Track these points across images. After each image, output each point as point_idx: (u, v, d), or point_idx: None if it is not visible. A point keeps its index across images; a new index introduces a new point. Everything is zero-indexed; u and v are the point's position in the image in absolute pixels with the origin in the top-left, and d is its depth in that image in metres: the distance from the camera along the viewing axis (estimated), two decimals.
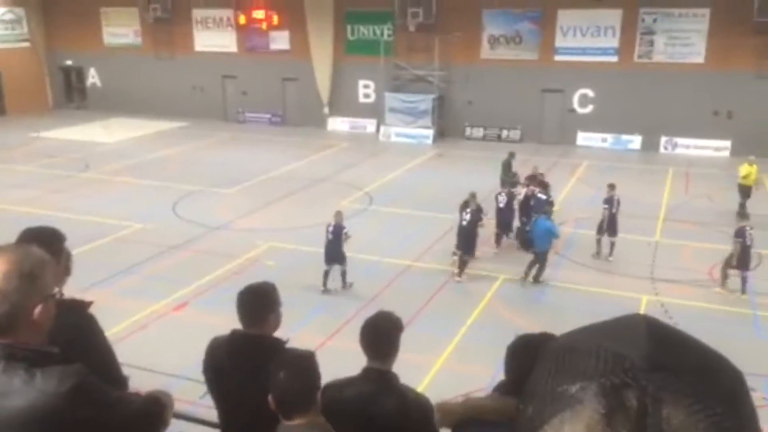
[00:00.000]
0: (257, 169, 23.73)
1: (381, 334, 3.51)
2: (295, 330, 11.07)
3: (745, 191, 18.09)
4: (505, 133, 29.37)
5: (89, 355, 2.49)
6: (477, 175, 23.33)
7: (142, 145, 28.30)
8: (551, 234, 14.01)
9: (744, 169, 18.32)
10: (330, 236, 13.73)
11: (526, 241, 15.35)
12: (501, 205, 15.76)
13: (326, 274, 13.65)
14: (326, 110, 32.10)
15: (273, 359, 3.40)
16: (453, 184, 22.17)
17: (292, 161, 25.21)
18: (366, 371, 3.47)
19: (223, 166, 24.41)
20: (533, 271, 14.03)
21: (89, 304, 2.99)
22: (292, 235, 16.89)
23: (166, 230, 17.14)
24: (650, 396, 0.71)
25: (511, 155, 19.59)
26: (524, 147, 27.90)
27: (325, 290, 13.60)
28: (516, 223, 16.34)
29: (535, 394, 0.79)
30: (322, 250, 15.88)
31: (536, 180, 16.71)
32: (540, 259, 14.01)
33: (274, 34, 32.42)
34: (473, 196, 15.22)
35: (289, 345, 3.67)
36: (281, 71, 32.41)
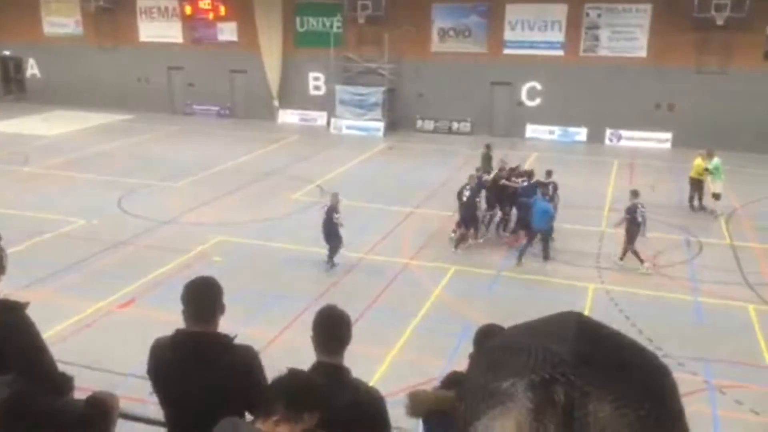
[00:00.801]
0: (205, 162, 23.32)
1: (330, 329, 3.49)
2: (245, 325, 10.94)
3: (695, 184, 18.54)
4: (455, 125, 29.61)
5: (24, 356, 2.39)
6: (428, 167, 23.51)
7: (85, 139, 27.46)
8: (549, 214, 14.63)
9: (696, 162, 18.67)
10: (324, 216, 14.31)
11: (521, 223, 15.60)
12: (464, 199, 15.33)
13: (331, 251, 14.29)
14: (276, 103, 31.76)
15: (222, 355, 3.34)
16: (404, 176, 22.28)
17: (241, 154, 24.86)
18: (317, 366, 3.44)
19: (171, 160, 23.90)
20: (525, 252, 14.73)
21: (25, 305, 2.86)
22: (241, 229, 16.67)
23: (111, 225, 16.69)
24: (578, 390, 0.72)
25: (488, 147, 19.28)
26: (474, 139, 28.21)
27: (329, 264, 14.25)
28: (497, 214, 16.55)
29: (469, 391, 0.80)
30: (272, 244, 15.76)
31: (517, 171, 16.71)
32: (545, 237, 14.80)
33: (221, 25, 31.86)
34: (478, 170, 16.38)
35: (237, 341, 3.61)
36: (229, 63, 31.89)
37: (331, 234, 14.15)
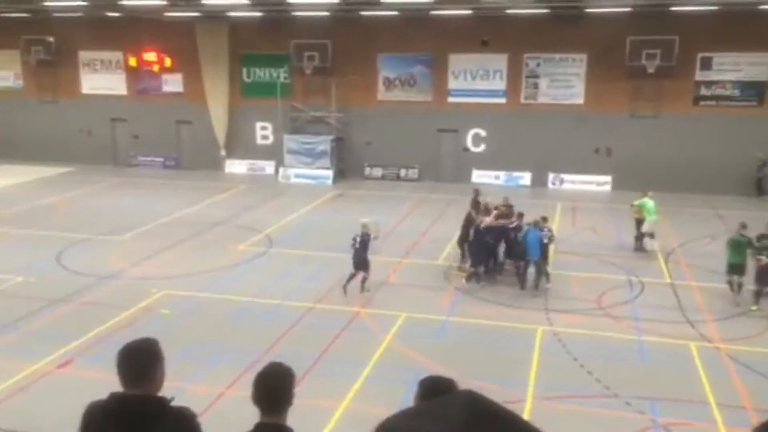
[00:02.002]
0: (150, 214, 22.89)
1: (273, 387, 3.39)
2: (191, 381, 10.63)
3: (639, 223, 19.10)
4: (403, 172, 29.99)
5: None
6: (377, 213, 23.58)
7: (24, 193, 26.67)
8: (542, 242, 15.56)
9: (638, 203, 19.23)
10: (357, 245, 15.44)
11: (516, 255, 16.09)
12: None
13: (351, 277, 15.45)
14: (223, 153, 31.62)
15: (157, 421, 3.22)
16: (354, 223, 22.25)
17: (187, 205, 24.52)
18: (257, 427, 3.33)
19: (114, 213, 23.38)
20: (530, 281, 15.70)
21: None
22: (188, 281, 16.32)
23: (49, 282, 16.10)
24: None
25: (477, 192, 19.33)
26: (422, 185, 28.62)
27: (345, 292, 15.30)
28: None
29: None
30: (219, 296, 15.51)
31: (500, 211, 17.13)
32: (538, 266, 15.62)
33: (166, 76, 31.77)
34: (474, 207, 17.53)
35: (176, 402, 3.49)
36: (175, 114, 31.74)
37: (365, 261, 15.46)
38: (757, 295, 14.43)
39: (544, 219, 16.48)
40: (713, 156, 26.30)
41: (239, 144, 31.52)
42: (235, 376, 11.16)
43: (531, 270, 15.87)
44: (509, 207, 17.56)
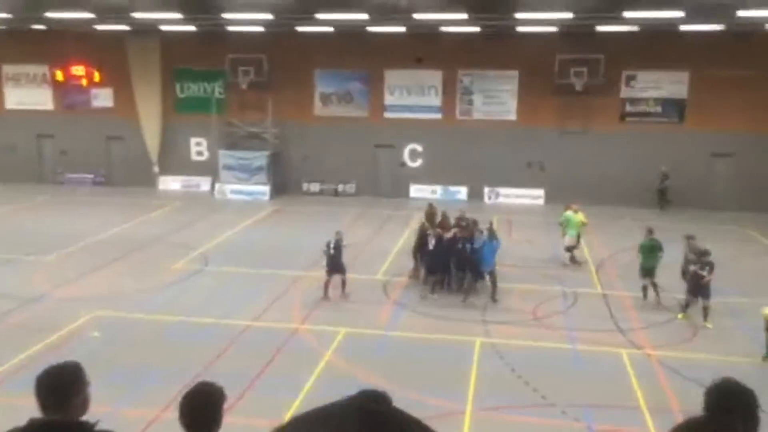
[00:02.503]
0: (79, 233, 22.06)
1: (199, 408, 3.28)
2: (123, 405, 10.26)
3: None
4: (341, 187, 29.98)
5: None
6: (315, 229, 23.46)
7: None
8: (496, 252, 16.31)
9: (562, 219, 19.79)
10: (332, 251, 16.10)
11: (472, 266, 16.29)
12: (430, 247, 16.60)
13: (327, 284, 16.11)
14: (156, 169, 30.87)
15: None
16: (292, 239, 22.13)
17: (119, 223, 23.77)
18: None
19: (40, 232, 22.43)
20: (471, 295, 16.09)
21: None
22: (120, 302, 15.77)
23: None
24: None
25: (432, 206, 19.95)
26: (360, 200, 28.66)
27: (326, 297, 15.99)
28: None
29: None
30: (153, 316, 15.11)
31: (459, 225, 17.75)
32: (494, 277, 16.13)
33: (96, 91, 30.87)
34: (424, 227, 17.66)
35: (106, 427, 3.36)
36: (105, 129, 30.84)
37: (341, 265, 16.13)
38: (686, 306, 14.97)
39: (491, 229, 17.01)
40: (638, 170, 27.40)
41: (173, 160, 30.85)
42: (170, 397, 10.80)
43: (486, 282, 16.34)
44: (467, 220, 18.07)
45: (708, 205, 26.73)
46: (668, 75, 27.25)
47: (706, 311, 14.46)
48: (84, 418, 3.37)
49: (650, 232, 16.36)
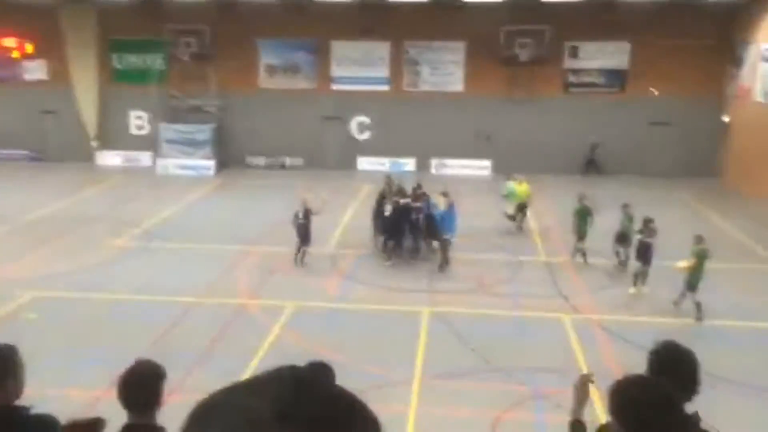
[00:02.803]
0: (13, 212, 21.18)
1: (140, 386, 3.22)
2: (64, 386, 10.01)
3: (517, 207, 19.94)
4: (288, 160, 29.62)
5: None
6: (261, 203, 23.23)
7: None
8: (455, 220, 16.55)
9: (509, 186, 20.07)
10: (302, 220, 16.29)
11: (432, 233, 16.81)
12: (386, 213, 16.88)
13: (299, 249, 16.35)
14: (94, 144, 29.84)
15: (11, 430, 2.99)
16: (238, 214, 21.82)
17: (56, 201, 22.95)
18: (125, 429, 3.15)
19: None
20: (445, 261, 16.25)
21: None
22: (59, 281, 15.30)
23: None
24: None
25: (389, 178, 19.60)
26: (308, 174, 28.40)
27: (302, 264, 16.38)
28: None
29: None
30: (94, 295, 14.77)
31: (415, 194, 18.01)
32: (448, 246, 16.28)
33: (28, 63, 29.50)
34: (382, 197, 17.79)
35: (46, 410, 3.25)
36: (39, 103, 29.54)
37: (309, 234, 16.37)
38: (636, 277, 14.90)
39: (446, 193, 17.15)
40: (583, 139, 27.93)
41: (112, 134, 29.87)
42: (114, 377, 10.60)
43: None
44: (422, 190, 18.32)
45: (646, 172, 27.51)
46: (610, 45, 27.72)
47: (644, 276, 14.89)
48: (19, 402, 3.26)
49: (583, 197, 16.96)
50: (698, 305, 13.40)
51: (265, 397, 0.75)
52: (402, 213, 16.88)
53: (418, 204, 17.17)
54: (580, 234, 16.72)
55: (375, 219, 17.85)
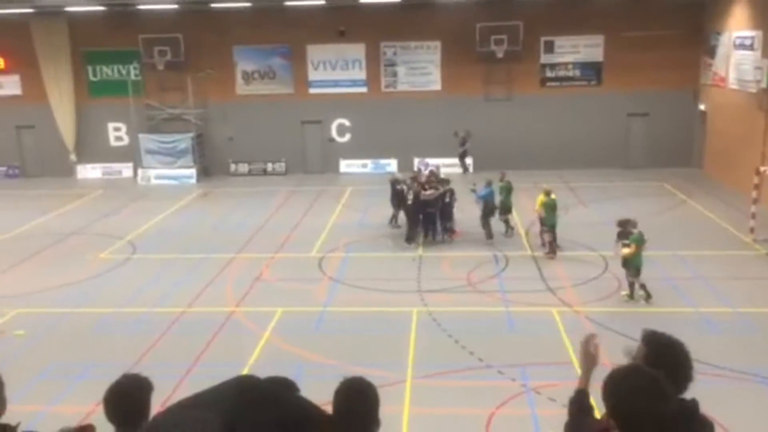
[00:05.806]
0: None
1: (123, 401, 3.18)
2: (55, 403, 9.91)
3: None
4: (270, 166, 29.53)
5: None
6: (245, 210, 23.14)
7: None
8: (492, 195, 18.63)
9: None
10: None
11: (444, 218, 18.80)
12: (409, 202, 18.45)
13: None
14: (73, 157, 29.55)
15: None
16: (222, 222, 21.72)
17: (36, 216, 22.69)
18: None
19: None
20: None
21: None
22: (44, 297, 15.15)
23: None
24: None
25: (393, 174, 21.61)
26: (290, 179, 28.36)
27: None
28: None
29: None
30: (81, 309, 14.63)
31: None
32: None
33: (2, 78, 29.15)
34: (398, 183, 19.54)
35: (39, 428, 3.23)
36: (14, 119, 29.21)
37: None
38: (632, 286, 14.11)
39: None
40: (562, 133, 28.13)
41: (91, 147, 29.58)
42: (103, 392, 10.52)
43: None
44: (438, 176, 19.98)
45: (626, 164, 27.78)
46: (585, 39, 27.94)
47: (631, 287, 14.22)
48: (4, 420, 3.23)
49: (548, 193, 17.24)
50: (643, 286, 13.90)
51: (217, 409, 0.77)
52: (423, 202, 18.34)
53: (449, 187, 18.95)
54: (505, 206, 18.67)
55: (393, 202, 19.53)
